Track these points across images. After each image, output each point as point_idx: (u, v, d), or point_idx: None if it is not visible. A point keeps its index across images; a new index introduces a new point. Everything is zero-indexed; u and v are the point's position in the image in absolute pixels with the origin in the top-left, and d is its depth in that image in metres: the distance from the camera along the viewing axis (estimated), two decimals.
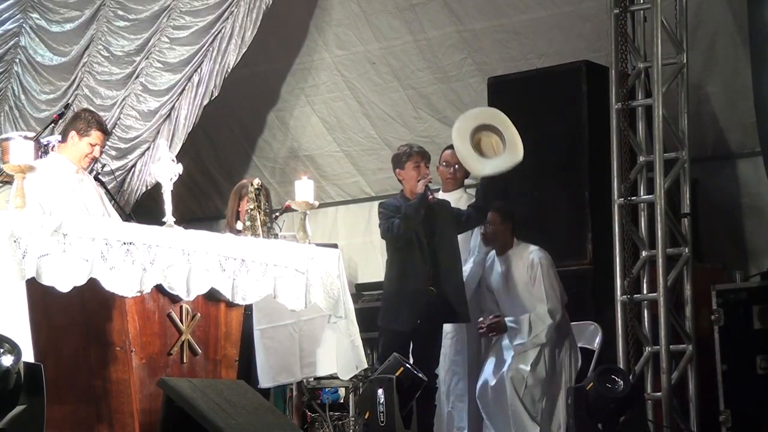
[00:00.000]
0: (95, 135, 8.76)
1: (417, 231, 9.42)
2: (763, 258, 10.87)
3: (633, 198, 10.07)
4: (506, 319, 9.81)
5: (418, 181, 9.46)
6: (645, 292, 9.96)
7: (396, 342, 9.17)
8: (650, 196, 9.98)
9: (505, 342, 9.83)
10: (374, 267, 10.88)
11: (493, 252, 10.05)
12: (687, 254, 9.91)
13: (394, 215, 9.43)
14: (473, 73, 12.29)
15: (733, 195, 11.47)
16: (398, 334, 9.30)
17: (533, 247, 9.94)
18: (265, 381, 8.52)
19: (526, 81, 11.49)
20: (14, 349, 6.30)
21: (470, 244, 9.99)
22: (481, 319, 9.86)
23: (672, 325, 9.79)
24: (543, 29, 11.82)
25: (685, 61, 10.06)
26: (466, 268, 9.84)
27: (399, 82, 12.83)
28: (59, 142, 8.78)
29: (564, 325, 9.82)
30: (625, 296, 9.90)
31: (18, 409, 6.27)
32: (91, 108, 11.19)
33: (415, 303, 9.39)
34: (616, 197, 10.03)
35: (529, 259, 9.91)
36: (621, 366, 9.45)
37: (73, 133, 8.69)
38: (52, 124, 10.56)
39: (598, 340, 10.17)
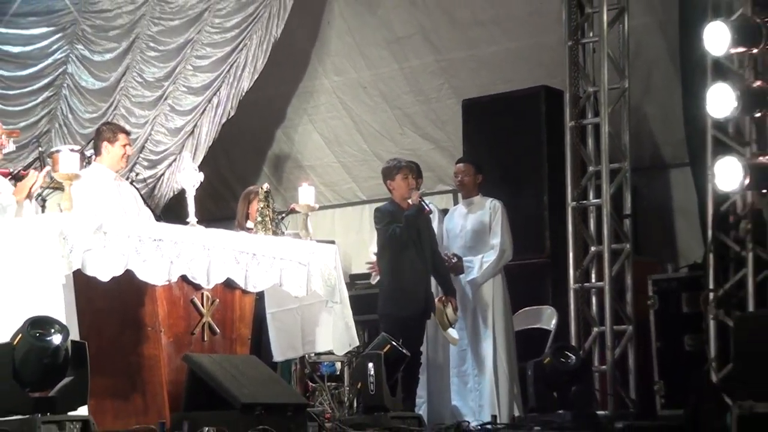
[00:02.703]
0: (122, 137, 8.77)
1: (413, 234, 9.48)
2: (690, 253, 10.78)
3: (584, 202, 10.08)
4: (464, 259, 9.90)
5: (411, 192, 9.54)
6: (593, 281, 9.95)
7: (398, 325, 9.16)
8: (598, 200, 10.00)
9: (463, 278, 9.92)
10: (365, 260, 10.92)
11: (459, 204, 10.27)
12: (628, 249, 9.91)
13: (389, 220, 9.49)
14: (450, 95, 12.26)
15: (667, 199, 11.45)
16: (399, 320, 9.30)
17: (493, 199, 10.04)
18: (277, 356, 8.57)
19: (495, 102, 11.50)
20: (63, 330, 6.31)
21: (491, 241, 10.01)
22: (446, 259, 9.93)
23: (615, 309, 9.80)
24: (509, 59, 11.80)
25: (627, 86, 10.06)
26: (489, 263, 9.92)
27: (387, 103, 12.81)
28: (94, 155, 8.84)
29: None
30: (576, 285, 9.94)
31: (66, 380, 6.28)
32: (108, 121, 11.26)
33: (414, 293, 9.46)
34: (569, 201, 10.06)
35: (490, 205, 10.00)
36: (573, 343, 9.47)
37: (105, 144, 8.69)
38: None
39: (554, 321, 10.23)
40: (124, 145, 8.79)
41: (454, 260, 9.91)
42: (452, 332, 9.71)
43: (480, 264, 9.89)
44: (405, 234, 9.44)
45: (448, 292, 9.64)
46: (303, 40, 12.86)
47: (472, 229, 10.08)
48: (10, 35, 13.74)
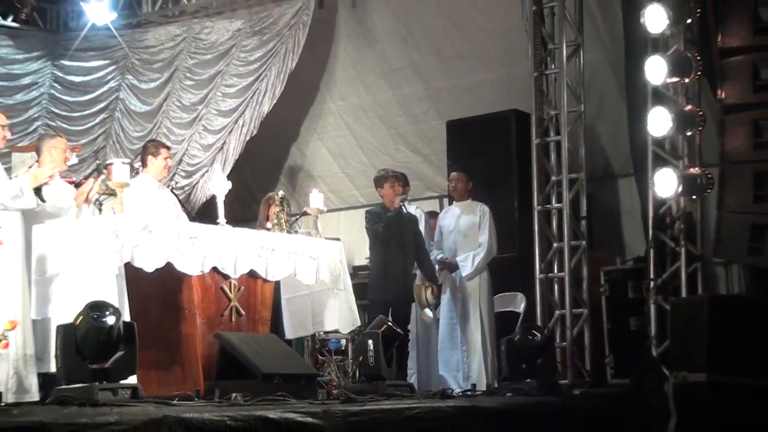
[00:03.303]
0: (164, 152, 8.75)
1: (395, 234, 9.51)
2: (635, 248, 10.77)
3: (547, 206, 9.99)
4: (457, 258, 9.85)
5: (396, 198, 9.57)
6: (555, 272, 9.86)
7: (382, 307, 9.20)
8: (559, 204, 9.92)
9: (458, 274, 9.88)
10: (365, 254, 10.93)
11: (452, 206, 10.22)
12: (584, 245, 9.84)
13: (377, 221, 9.54)
14: (436, 117, 12.24)
15: (615, 204, 11.44)
16: (384, 303, 9.33)
17: (482, 204, 10.01)
18: (289, 334, 8.61)
19: (473, 123, 11.47)
20: (116, 312, 6.35)
21: (479, 239, 9.95)
22: (440, 257, 9.91)
23: (573, 295, 9.74)
24: (485, 87, 11.78)
25: (582, 110, 9.98)
26: (479, 258, 9.86)
27: (383, 124, 12.81)
28: (141, 167, 8.85)
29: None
30: (542, 275, 9.85)
31: (118, 354, 6.31)
32: (152, 138, 11.27)
33: (395, 281, 9.47)
34: (535, 205, 9.98)
35: (480, 209, 9.96)
36: (539, 324, 9.40)
37: (150, 158, 8.66)
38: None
39: (522, 305, 10.19)
40: (166, 159, 8.79)
41: (448, 260, 9.88)
42: (428, 312, 9.74)
43: (472, 261, 9.83)
44: (386, 233, 9.49)
45: (429, 279, 9.64)
46: (313, 72, 12.85)
47: (463, 227, 10.02)
48: (73, 67, 13.76)
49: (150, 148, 8.87)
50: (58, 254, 7.14)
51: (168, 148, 9.13)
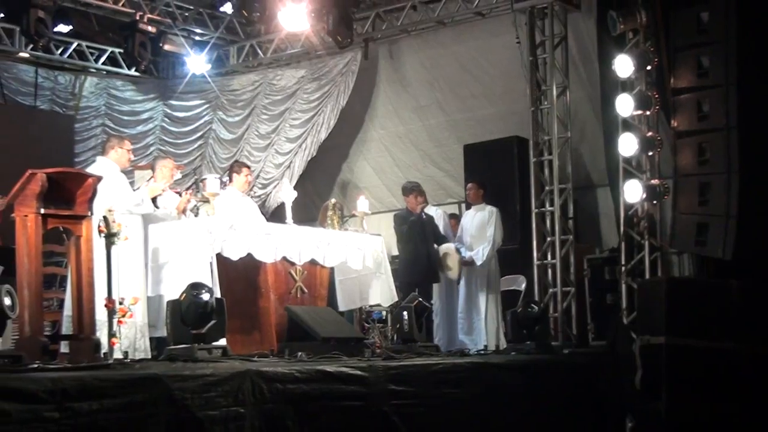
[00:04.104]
0: (245, 170, 8.79)
1: (417, 232, 9.48)
2: (610, 241, 10.64)
3: (542, 209, 9.96)
4: (471, 253, 9.75)
5: (418, 207, 9.57)
6: (549, 259, 9.83)
7: (410, 287, 9.07)
8: (552, 207, 9.90)
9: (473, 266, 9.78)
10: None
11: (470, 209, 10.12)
12: (571, 239, 9.84)
13: (402, 223, 9.54)
14: (455, 142, 12.12)
15: (595, 207, 11.34)
16: (410, 284, 9.25)
17: (492, 206, 9.92)
18: (342, 307, 8.54)
19: (484, 146, 11.41)
20: (210, 291, 6.37)
21: (487, 234, 9.85)
22: (464, 254, 9.77)
23: (563, 277, 9.72)
24: (494, 118, 11.68)
25: (569, 135, 9.98)
26: (487, 249, 9.76)
27: (414, 147, 12.73)
28: (228, 181, 8.90)
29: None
30: (538, 261, 9.84)
31: (212, 322, 6.30)
32: (237, 159, 11.35)
33: (419, 267, 9.44)
34: (533, 208, 9.98)
35: (490, 210, 9.86)
36: (536, 299, 9.39)
37: (235, 174, 8.68)
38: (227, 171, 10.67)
39: (523, 285, 10.10)
40: (247, 175, 8.83)
41: (467, 259, 9.78)
42: (450, 274, 9.65)
43: (482, 253, 9.73)
44: (410, 231, 9.46)
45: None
46: (360, 108, 12.81)
47: (477, 225, 9.91)
48: (177, 105, 13.84)
49: (235, 167, 8.91)
50: (167, 247, 7.19)
51: (249, 167, 9.17)
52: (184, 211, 7.83)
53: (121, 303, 6.29)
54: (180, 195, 8.14)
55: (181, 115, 13.82)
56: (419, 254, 9.47)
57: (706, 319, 6.85)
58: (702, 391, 6.73)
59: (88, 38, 12.96)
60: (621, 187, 9.35)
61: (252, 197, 11.10)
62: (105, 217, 6.20)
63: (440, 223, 9.97)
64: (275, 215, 11.62)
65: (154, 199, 7.67)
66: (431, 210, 10.06)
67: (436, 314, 9.73)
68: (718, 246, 7.98)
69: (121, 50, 12.45)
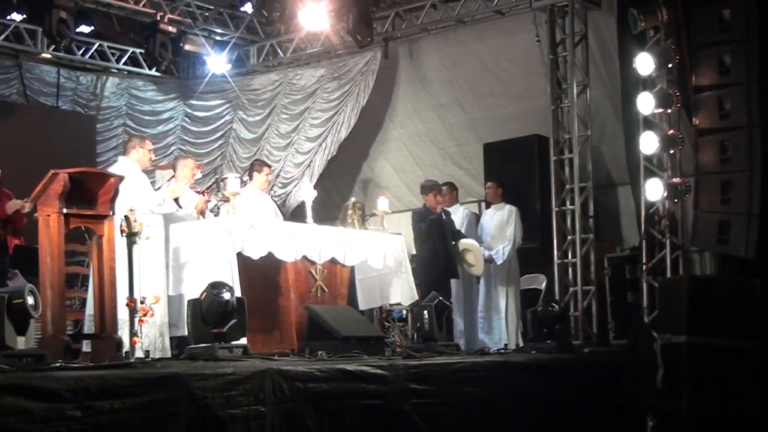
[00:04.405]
0: (266, 169, 8.83)
1: (436, 230, 9.43)
2: (631, 240, 10.58)
3: (563, 207, 9.94)
4: (491, 252, 9.75)
5: (438, 206, 9.53)
6: (569, 258, 9.82)
7: (428, 287, 8.99)
8: (572, 206, 9.87)
9: (493, 265, 9.80)
10: None
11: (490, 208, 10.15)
12: (591, 237, 9.80)
13: (420, 221, 9.49)
14: (475, 141, 12.08)
15: (616, 206, 11.27)
16: (428, 282, 9.19)
17: (512, 205, 9.94)
18: (362, 306, 8.54)
19: (504, 145, 11.36)
20: (231, 290, 6.37)
21: (506, 233, 9.89)
22: (484, 253, 9.73)
23: (583, 275, 9.69)
24: (514, 117, 11.64)
25: (589, 134, 9.95)
26: (507, 248, 9.79)
27: (434, 146, 12.71)
28: (249, 180, 8.92)
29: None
30: (559, 260, 9.81)
31: (233, 321, 6.29)
32: (257, 158, 11.37)
33: (437, 266, 9.39)
34: (554, 207, 9.95)
35: (509, 209, 9.90)
36: (556, 298, 9.37)
37: (255, 173, 8.72)
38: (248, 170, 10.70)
39: (544, 284, 10.08)
40: (267, 174, 8.85)
41: (488, 257, 9.79)
42: (471, 270, 9.62)
43: (502, 252, 9.75)
44: (428, 230, 9.41)
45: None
46: (380, 107, 12.79)
47: (496, 223, 9.94)
48: (197, 105, 13.88)
49: (255, 165, 8.94)
50: (188, 246, 7.21)
51: (269, 166, 9.20)
52: (202, 212, 7.86)
53: (142, 302, 6.34)
54: (202, 194, 8.18)
55: (201, 114, 13.84)
56: (437, 253, 9.44)
57: (728, 317, 6.82)
58: (724, 390, 6.70)
59: (110, 39, 13.05)
60: (642, 186, 9.30)
61: (272, 196, 11.12)
62: (126, 217, 6.23)
63: (465, 222, 9.96)
64: (295, 214, 11.64)
65: (176, 199, 7.69)
66: (458, 210, 10.06)
67: (457, 313, 9.69)
68: (740, 244, 7.92)
69: (142, 50, 12.51)
